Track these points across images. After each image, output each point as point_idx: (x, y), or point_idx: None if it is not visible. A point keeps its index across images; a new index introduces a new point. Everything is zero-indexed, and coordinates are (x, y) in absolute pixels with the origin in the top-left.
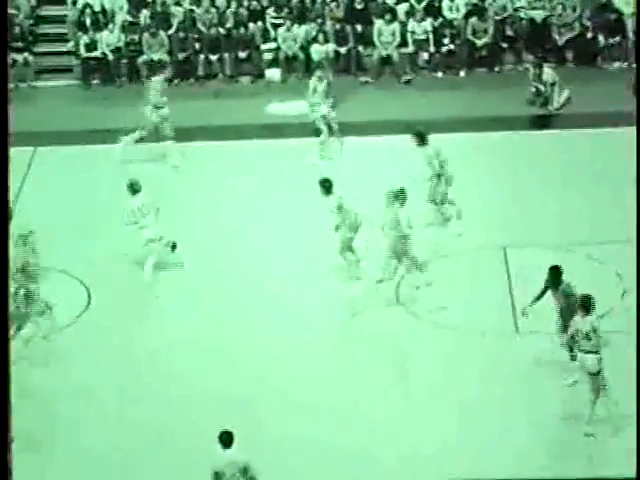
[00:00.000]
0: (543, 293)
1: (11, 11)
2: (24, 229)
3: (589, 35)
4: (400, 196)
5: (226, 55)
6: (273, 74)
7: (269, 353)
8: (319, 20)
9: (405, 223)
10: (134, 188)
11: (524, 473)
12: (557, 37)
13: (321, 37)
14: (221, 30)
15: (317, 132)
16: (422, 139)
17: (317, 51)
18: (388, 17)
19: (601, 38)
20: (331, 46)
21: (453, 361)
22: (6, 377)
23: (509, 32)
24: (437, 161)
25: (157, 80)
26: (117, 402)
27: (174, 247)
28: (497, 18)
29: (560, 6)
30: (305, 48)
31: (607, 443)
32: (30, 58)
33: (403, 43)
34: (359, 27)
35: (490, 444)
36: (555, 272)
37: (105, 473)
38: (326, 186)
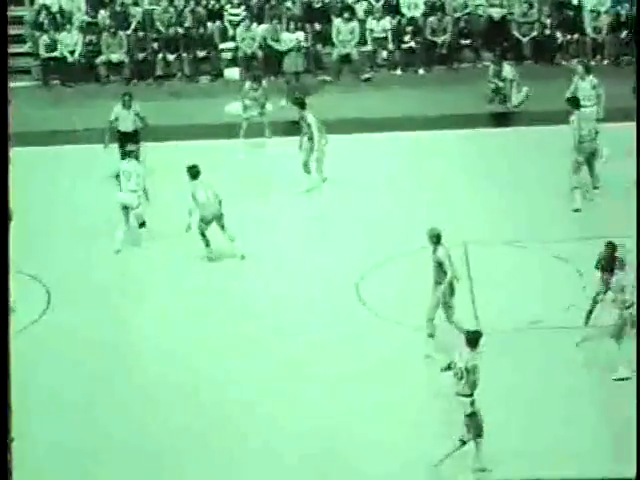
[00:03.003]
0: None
1: None
2: None
3: (547, 32)
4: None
5: (185, 55)
6: (232, 73)
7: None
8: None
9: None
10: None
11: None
12: (516, 34)
13: (292, 25)
14: (179, 30)
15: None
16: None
17: (287, 39)
18: (347, 15)
19: (559, 35)
20: (301, 34)
21: None
22: (6, 377)
23: (467, 29)
24: None
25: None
26: (84, 404)
27: (142, 225)
28: (456, 15)
29: (518, 4)
30: (263, 47)
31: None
32: None
33: (362, 41)
34: (318, 26)
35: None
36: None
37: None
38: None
